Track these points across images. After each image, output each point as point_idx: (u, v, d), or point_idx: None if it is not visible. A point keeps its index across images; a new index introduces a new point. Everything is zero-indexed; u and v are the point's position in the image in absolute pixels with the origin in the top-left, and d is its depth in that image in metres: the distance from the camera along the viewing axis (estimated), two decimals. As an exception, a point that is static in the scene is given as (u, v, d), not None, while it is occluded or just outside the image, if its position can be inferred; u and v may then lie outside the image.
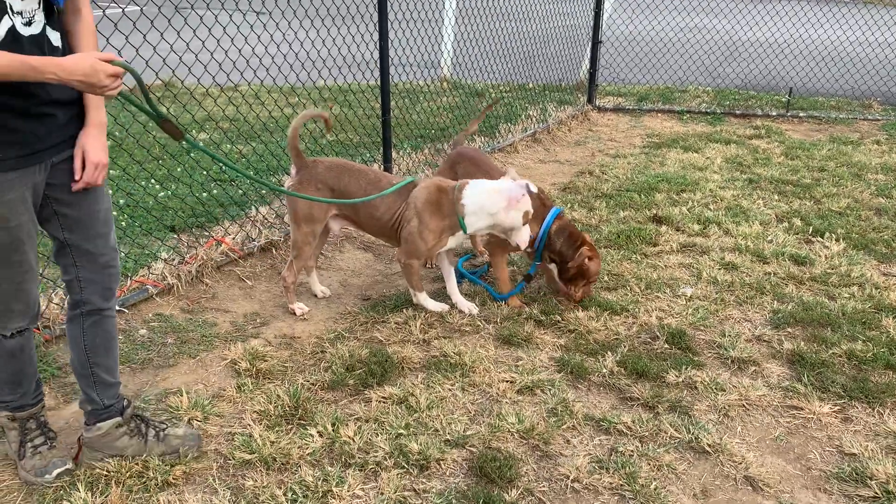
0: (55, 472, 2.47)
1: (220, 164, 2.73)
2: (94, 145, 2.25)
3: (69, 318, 2.46)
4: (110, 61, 2.02)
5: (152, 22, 3.82)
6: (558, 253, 3.60)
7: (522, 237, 3.43)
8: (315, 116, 3.52)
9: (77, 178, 2.24)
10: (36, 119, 2.09)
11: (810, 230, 4.59)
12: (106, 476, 2.46)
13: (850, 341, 3.34)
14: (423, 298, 3.61)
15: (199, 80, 4.26)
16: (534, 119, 7.01)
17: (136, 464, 2.51)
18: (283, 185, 3.58)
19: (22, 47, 1.96)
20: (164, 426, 2.63)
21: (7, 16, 1.94)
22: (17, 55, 1.91)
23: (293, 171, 3.51)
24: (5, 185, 2.07)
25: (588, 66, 8.00)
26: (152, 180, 5.02)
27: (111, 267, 2.41)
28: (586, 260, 3.56)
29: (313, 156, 3.94)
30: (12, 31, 1.95)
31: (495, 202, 3.33)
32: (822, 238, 4.49)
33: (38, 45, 2.03)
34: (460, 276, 3.96)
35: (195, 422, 2.78)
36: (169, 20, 3.90)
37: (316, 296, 3.79)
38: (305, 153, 3.66)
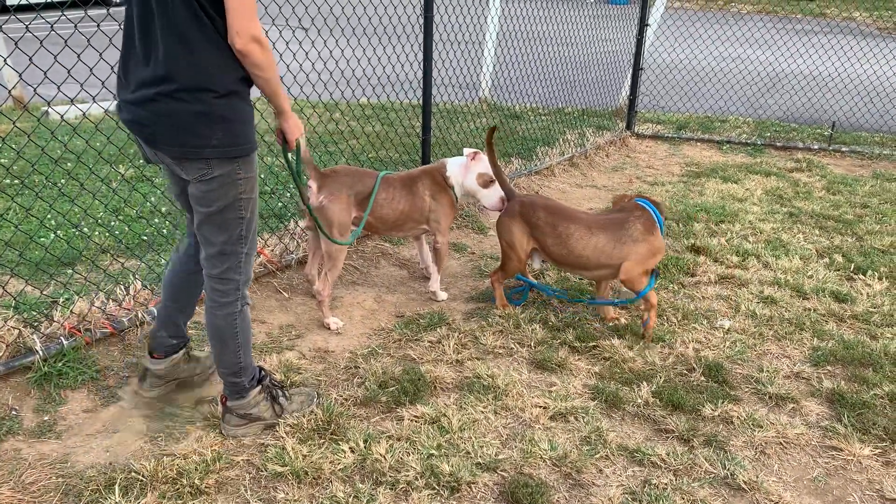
0: (316, 393, 2.98)
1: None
2: None
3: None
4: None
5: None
6: None
7: (487, 200, 3.83)
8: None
9: None
10: None
11: (852, 267, 4.51)
12: (141, 481, 2.49)
13: (893, 383, 3.27)
14: (438, 284, 4.02)
15: (246, 93, 4.33)
16: (571, 143, 7.00)
17: (171, 470, 2.54)
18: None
19: None
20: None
21: None
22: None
23: (314, 185, 3.54)
24: (255, 160, 2.51)
25: (628, 93, 7.99)
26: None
27: None
28: None
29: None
30: None
31: (460, 172, 3.82)
32: (865, 276, 4.41)
33: None
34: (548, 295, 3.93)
35: (229, 431, 2.81)
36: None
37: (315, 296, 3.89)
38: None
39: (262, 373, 2.84)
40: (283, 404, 2.85)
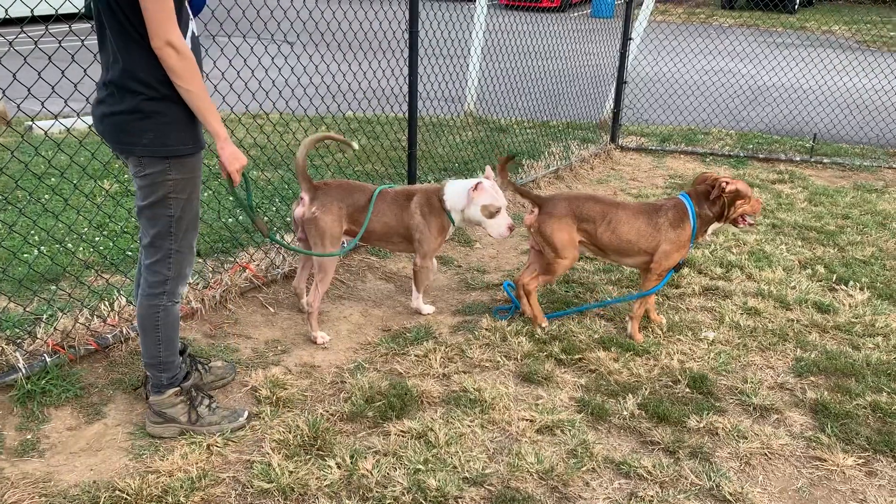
0: (245, 414, 2.96)
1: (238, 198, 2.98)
2: None
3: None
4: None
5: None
6: (717, 214, 3.69)
7: (494, 230, 3.75)
8: (324, 139, 3.61)
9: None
10: None
11: (834, 278, 4.56)
12: (125, 500, 2.47)
13: (875, 393, 3.30)
14: (421, 301, 3.99)
15: (232, 108, 4.35)
16: (556, 156, 7.05)
17: (156, 488, 2.52)
18: (293, 211, 3.74)
19: (196, 45, 2.57)
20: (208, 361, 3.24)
21: (191, 21, 2.53)
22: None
23: (306, 197, 3.57)
24: (198, 162, 2.63)
25: (612, 106, 8.06)
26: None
27: None
28: (725, 185, 3.61)
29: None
30: (192, 32, 2.52)
31: (460, 200, 3.72)
32: (846, 286, 4.46)
33: (197, 41, 2.59)
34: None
35: (214, 447, 2.79)
36: (206, 50, 3.98)
37: (302, 310, 3.92)
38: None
39: (189, 377, 2.94)
40: (202, 413, 2.90)
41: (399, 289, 4.32)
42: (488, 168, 3.85)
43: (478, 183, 3.70)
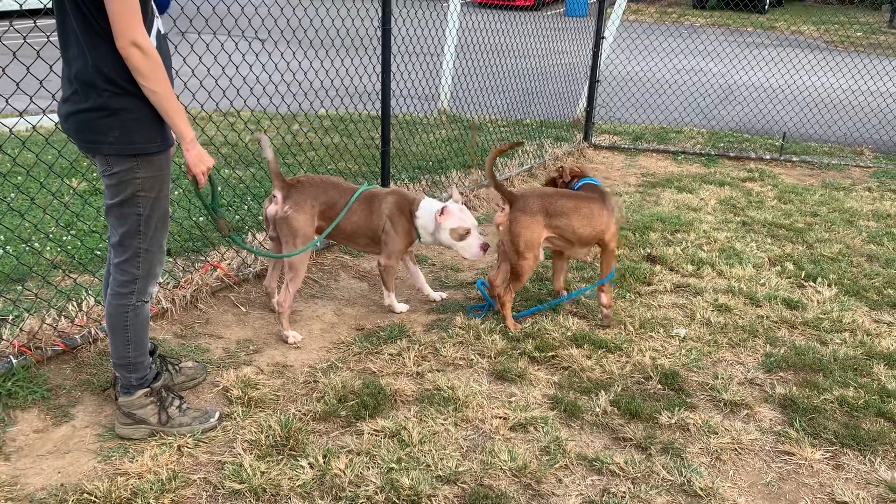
0: (217, 415, 2.92)
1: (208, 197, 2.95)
2: None
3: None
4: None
5: (159, 47, 3.85)
6: None
7: (467, 252, 3.77)
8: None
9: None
10: None
11: (803, 274, 4.63)
12: (94, 502, 2.43)
13: (842, 387, 3.36)
14: (393, 299, 3.95)
15: (202, 105, 4.29)
16: (530, 154, 7.07)
17: (125, 490, 2.49)
18: (265, 209, 3.70)
19: (163, 42, 2.54)
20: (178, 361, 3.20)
21: (156, 18, 2.50)
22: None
23: (279, 195, 3.54)
24: (166, 159, 2.60)
25: (585, 105, 8.10)
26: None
27: None
28: None
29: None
30: (157, 30, 2.50)
31: (429, 223, 3.72)
32: (815, 283, 4.52)
33: (164, 39, 2.57)
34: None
35: (185, 448, 2.76)
36: (175, 46, 3.93)
37: (273, 310, 3.88)
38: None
39: (159, 378, 2.90)
40: (173, 414, 2.86)
41: (373, 287, 4.31)
42: (455, 190, 3.87)
43: (443, 207, 3.67)
